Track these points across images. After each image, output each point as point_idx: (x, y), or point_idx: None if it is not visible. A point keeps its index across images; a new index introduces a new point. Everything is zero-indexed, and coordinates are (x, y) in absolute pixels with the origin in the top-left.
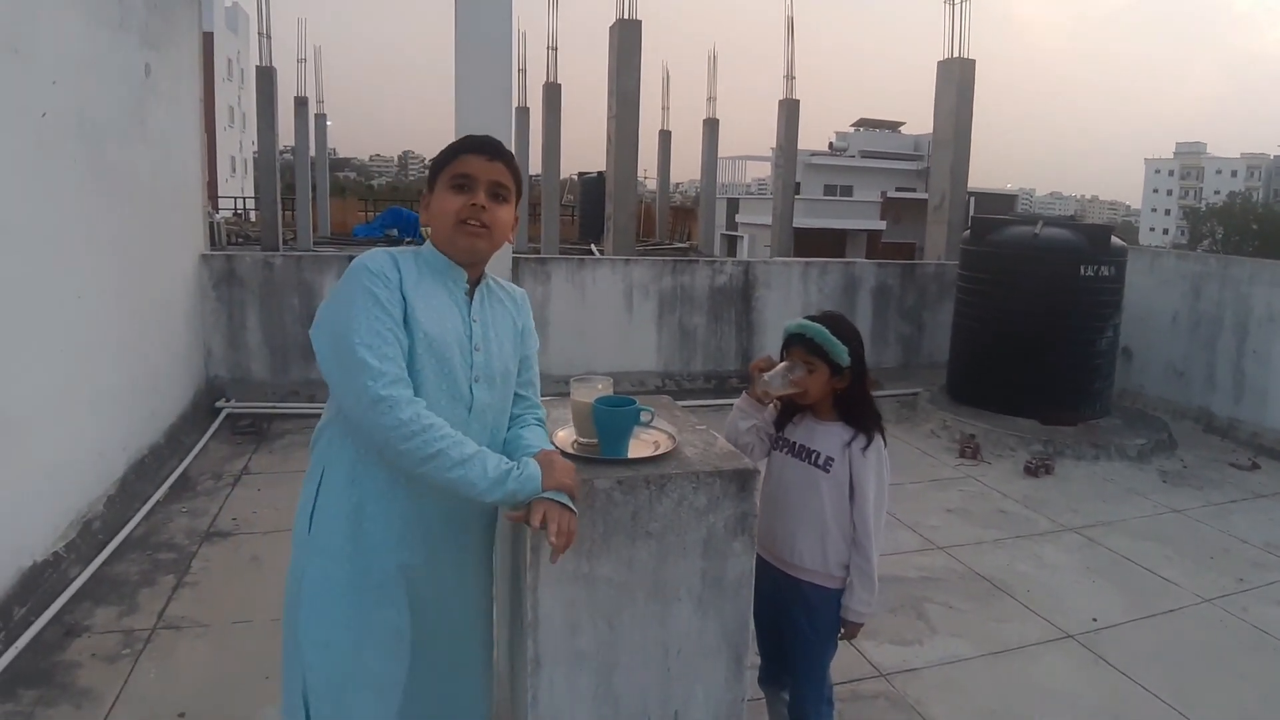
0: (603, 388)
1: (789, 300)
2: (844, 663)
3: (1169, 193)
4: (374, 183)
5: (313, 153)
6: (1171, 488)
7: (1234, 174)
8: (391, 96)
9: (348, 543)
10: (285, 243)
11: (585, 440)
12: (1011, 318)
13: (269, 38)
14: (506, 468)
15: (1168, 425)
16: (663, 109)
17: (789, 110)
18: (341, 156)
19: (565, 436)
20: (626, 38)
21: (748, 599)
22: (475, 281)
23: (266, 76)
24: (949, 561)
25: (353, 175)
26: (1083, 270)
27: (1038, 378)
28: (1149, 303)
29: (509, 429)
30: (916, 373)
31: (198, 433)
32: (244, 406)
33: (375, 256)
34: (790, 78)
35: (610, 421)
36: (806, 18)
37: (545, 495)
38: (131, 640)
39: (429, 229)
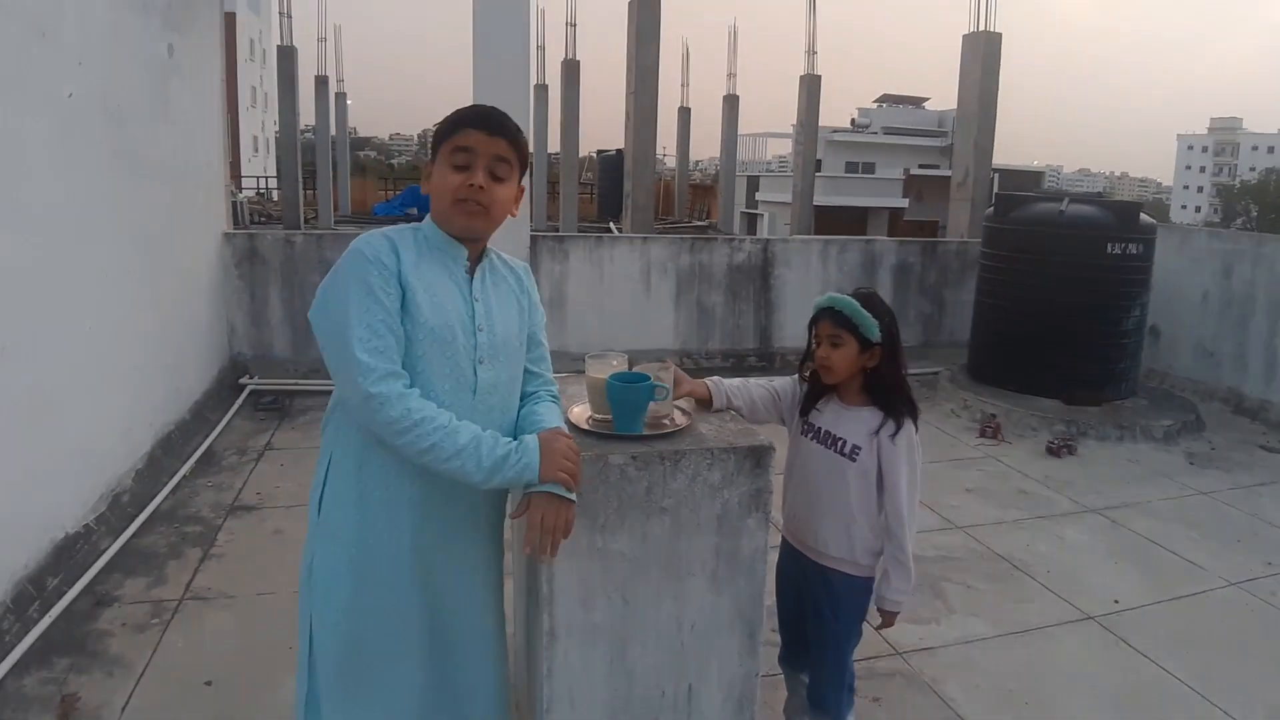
0: (617, 364)
1: (808, 278)
2: (860, 641)
3: (1202, 169)
4: (394, 161)
5: (333, 132)
6: (1198, 470)
7: (1271, 150)
8: (411, 75)
9: (355, 529)
10: (306, 221)
11: (600, 416)
12: (1035, 296)
13: (289, 17)
14: (503, 453)
15: (1196, 406)
16: (682, 85)
17: (810, 86)
18: (362, 135)
19: (580, 413)
20: (646, 13)
21: (762, 575)
22: (476, 258)
23: (287, 56)
24: (967, 541)
25: (373, 154)
26: (1109, 248)
27: (1061, 357)
28: (1179, 281)
29: (523, 406)
30: (937, 351)
31: (222, 409)
32: (267, 384)
33: (373, 241)
34: (812, 53)
35: (624, 397)
36: None
37: (541, 488)
38: (160, 610)
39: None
